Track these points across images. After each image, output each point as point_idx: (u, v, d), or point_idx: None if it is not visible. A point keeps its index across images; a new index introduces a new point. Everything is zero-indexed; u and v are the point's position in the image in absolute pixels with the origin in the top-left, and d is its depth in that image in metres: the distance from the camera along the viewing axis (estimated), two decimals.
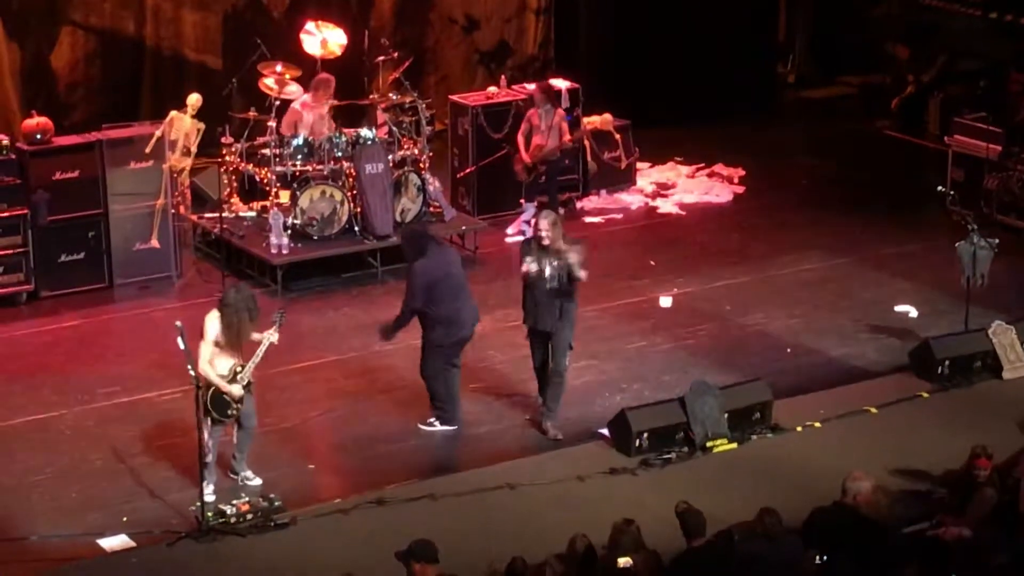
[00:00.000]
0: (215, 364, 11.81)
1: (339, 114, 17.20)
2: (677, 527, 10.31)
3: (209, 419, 11.88)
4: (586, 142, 18.58)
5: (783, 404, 13.32)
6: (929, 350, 13.99)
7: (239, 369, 11.86)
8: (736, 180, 19.34)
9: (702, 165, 19.65)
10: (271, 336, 11.94)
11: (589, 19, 21.45)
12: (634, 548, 10.01)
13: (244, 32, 18.94)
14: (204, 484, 11.66)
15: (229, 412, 11.91)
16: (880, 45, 22.72)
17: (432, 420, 13.17)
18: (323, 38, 17.61)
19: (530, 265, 12.80)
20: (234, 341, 11.81)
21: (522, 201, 17.60)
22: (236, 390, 11.86)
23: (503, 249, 17.20)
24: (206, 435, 11.87)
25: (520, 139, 17.31)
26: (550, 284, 12.82)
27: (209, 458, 11.96)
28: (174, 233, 16.22)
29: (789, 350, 14.80)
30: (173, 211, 16.23)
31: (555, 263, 12.80)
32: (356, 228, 16.40)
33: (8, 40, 18.25)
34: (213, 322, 11.82)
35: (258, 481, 12.09)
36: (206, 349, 11.81)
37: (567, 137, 17.36)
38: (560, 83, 18.69)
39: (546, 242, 12.79)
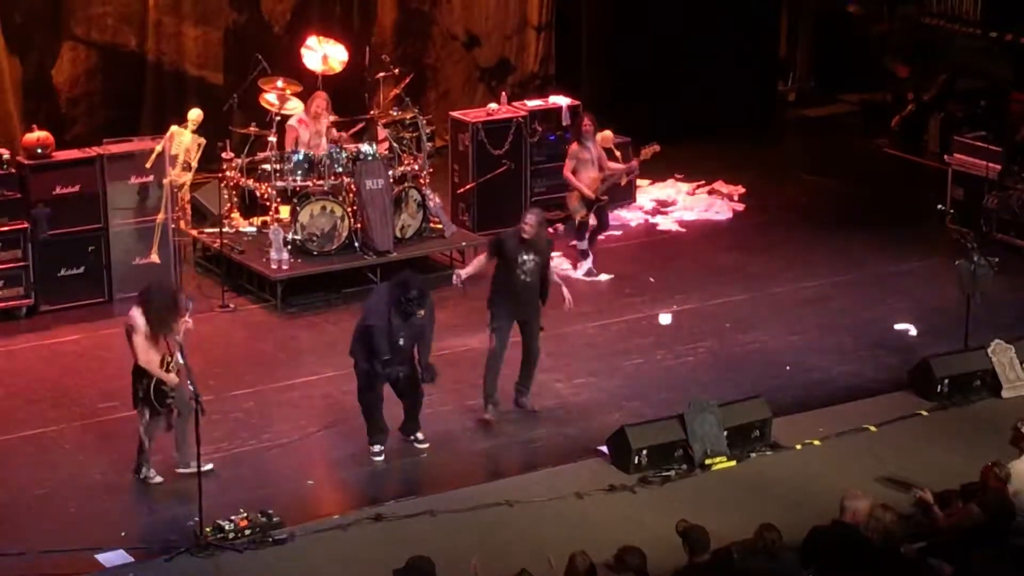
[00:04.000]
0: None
1: (339, 130, 17.21)
2: (676, 545, 10.30)
3: (148, 410, 12.21)
4: None
5: (782, 422, 13.32)
6: (928, 368, 13.99)
7: (169, 359, 12.13)
8: (736, 197, 19.35)
9: (702, 182, 19.65)
10: (186, 322, 12.26)
11: (590, 36, 21.48)
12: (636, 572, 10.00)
13: (245, 47, 18.95)
14: (147, 470, 12.30)
15: (167, 401, 12.20)
16: (880, 63, 22.75)
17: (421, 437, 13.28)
18: (324, 54, 17.64)
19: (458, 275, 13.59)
20: (156, 334, 12.14)
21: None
22: (172, 377, 12.14)
23: None
24: (142, 427, 12.28)
25: (571, 176, 16.78)
26: (527, 278, 13.32)
27: (147, 451, 12.37)
28: (174, 248, 16.22)
29: (788, 367, 14.80)
30: (173, 226, 16.24)
31: (533, 258, 13.32)
32: (356, 244, 16.41)
33: (9, 54, 18.25)
34: (140, 317, 12.12)
35: (209, 466, 12.14)
36: (142, 341, 12.11)
37: (617, 165, 17.03)
38: (561, 100, 18.72)
39: (527, 235, 13.26)
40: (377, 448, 12.95)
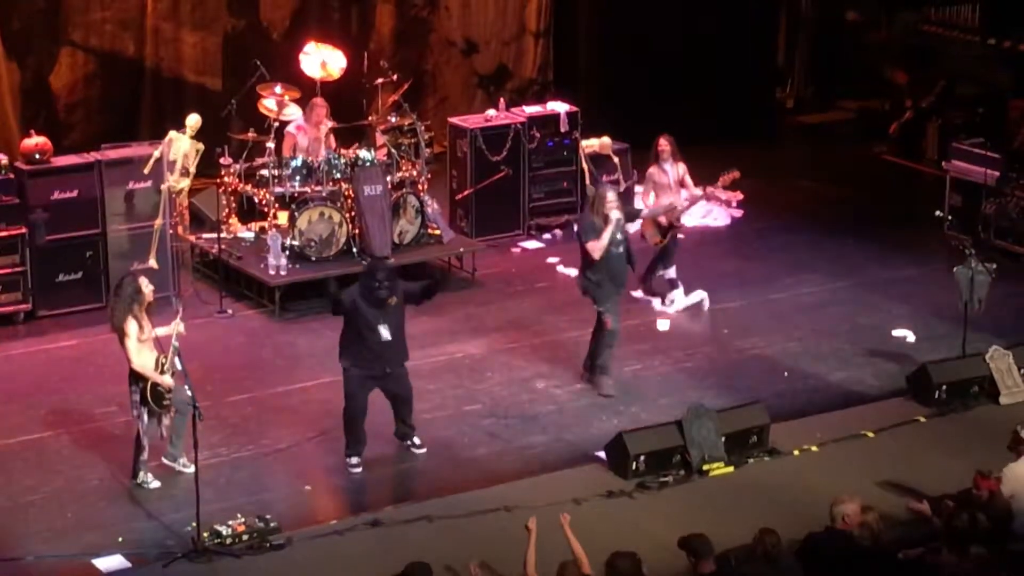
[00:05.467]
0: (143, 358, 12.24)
1: (338, 136, 17.22)
2: (674, 551, 10.29)
3: (146, 412, 12.26)
4: (584, 165, 18.61)
5: (780, 427, 13.32)
6: (926, 375, 13.99)
7: (163, 360, 12.21)
8: (734, 204, 19.32)
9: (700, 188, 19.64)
10: (178, 325, 12.33)
11: (588, 43, 21.51)
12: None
13: (243, 53, 18.97)
14: (144, 475, 12.37)
15: (164, 402, 12.27)
16: (879, 70, 22.77)
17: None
18: (322, 60, 17.65)
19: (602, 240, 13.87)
20: (120, 326, 12.27)
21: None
22: (167, 380, 12.22)
23: (501, 271, 17.22)
24: (142, 430, 12.33)
25: (645, 202, 16.38)
26: (618, 249, 13.95)
27: (144, 455, 12.42)
28: (172, 254, 16.22)
29: (786, 373, 14.80)
30: (171, 232, 16.24)
31: (619, 233, 13.91)
32: (354, 249, 16.41)
33: (8, 60, 18.28)
34: (130, 320, 12.23)
35: (191, 468, 12.04)
36: (134, 345, 12.20)
37: (696, 192, 16.18)
38: (559, 106, 18.72)
39: (616, 213, 13.86)
40: (355, 460, 12.91)
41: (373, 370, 12.73)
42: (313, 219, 16.30)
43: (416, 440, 13.16)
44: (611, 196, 14.01)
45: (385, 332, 12.64)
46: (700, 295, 16.23)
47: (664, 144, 16.21)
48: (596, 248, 13.91)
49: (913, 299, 16.48)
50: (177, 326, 12.31)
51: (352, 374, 12.78)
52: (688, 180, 16.28)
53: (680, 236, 16.32)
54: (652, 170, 16.28)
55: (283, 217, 16.57)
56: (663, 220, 16.07)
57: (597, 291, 14.07)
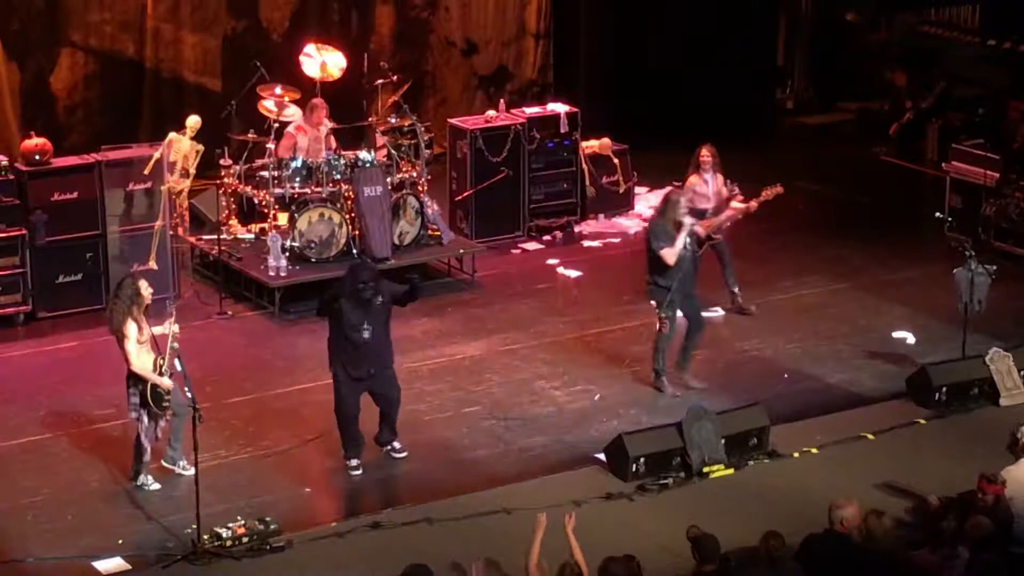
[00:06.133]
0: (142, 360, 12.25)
1: (338, 137, 17.22)
2: (674, 553, 10.30)
3: (145, 414, 12.26)
4: (584, 166, 18.60)
5: (780, 429, 13.31)
6: (926, 376, 13.99)
7: (161, 362, 12.22)
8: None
9: None
10: (172, 326, 12.35)
11: (588, 44, 21.50)
12: None
13: (243, 54, 18.97)
14: (144, 477, 12.38)
15: (164, 404, 12.27)
16: (878, 72, 22.76)
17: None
18: (322, 61, 17.64)
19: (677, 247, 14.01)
20: (121, 327, 12.27)
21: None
22: (166, 382, 12.23)
23: (501, 273, 17.21)
24: (143, 432, 12.32)
25: None
26: (689, 253, 14.10)
27: (147, 457, 12.43)
28: (172, 255, 16.21)
29: (786, 375, 14.80)
30: (171, 233, 16.24)
31: (688, 237, 14.05)
32: (354, 251, 16.40)
33: (8, 61, 18.27)
34: (130, 322, 12.25)
35: (191, 471, 12.04)
36: (133, 347, 12.21)
37: (736, 206, 15.80)
38: (559, 107, 18.71)
39: (689, 219, 14.10)
40: (355, 462, 12.88)
41: (360, 372, 12.70)
42: (313, 220, 16.29)
43: (397, 444, 13.07)
44: (683, 201, 14.15)
45: (368, 333, 12.57)
46: (716, 312, 16.18)
47: (707, 155, 15.94)
48: (671, 255, 13.94)
49: (913, 301, 16.48)
50: (172, 326, 12.30)
51: (341, 380, 12.76)
52: (724, 192, 16.04)
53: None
54: (693, 179, 15.97)
55: (283, 218, 16.57)
56: (700, 231, 15.62)
57: (665, 296, 14.05)
